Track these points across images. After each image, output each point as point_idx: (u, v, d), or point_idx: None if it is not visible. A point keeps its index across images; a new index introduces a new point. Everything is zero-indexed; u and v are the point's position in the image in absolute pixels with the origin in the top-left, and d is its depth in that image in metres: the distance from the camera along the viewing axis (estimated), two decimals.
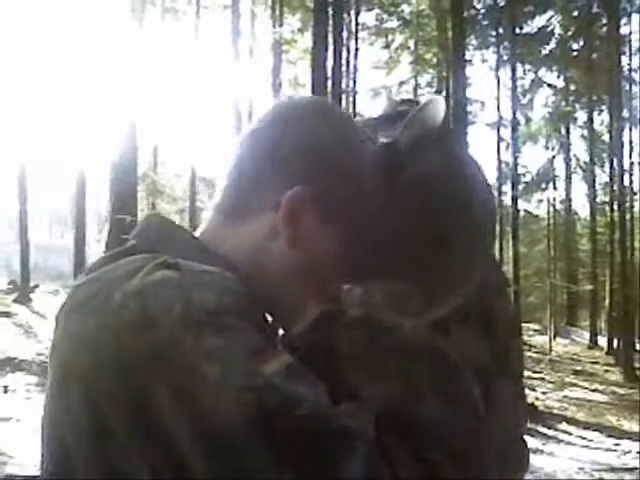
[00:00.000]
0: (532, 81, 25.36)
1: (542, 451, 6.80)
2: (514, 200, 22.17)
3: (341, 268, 0.77)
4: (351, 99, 19.80)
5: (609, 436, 8.09)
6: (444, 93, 19.21)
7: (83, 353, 0.63)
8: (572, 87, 25.08)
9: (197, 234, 0.79)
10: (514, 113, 22.83)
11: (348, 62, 20.34)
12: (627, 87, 22.19)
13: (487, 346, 1.64)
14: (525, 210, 27.09)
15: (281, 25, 20.12)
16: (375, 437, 0.63)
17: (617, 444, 7.58)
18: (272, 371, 0.60)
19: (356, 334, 0.79)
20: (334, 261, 0.76)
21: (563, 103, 25.28)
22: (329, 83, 11.65)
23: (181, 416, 0.58)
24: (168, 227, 0.78)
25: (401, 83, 24.53)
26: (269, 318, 0.77)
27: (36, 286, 14.55)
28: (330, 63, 12.45)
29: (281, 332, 0.85)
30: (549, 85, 25.44)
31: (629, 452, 7.05)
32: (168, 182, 21.79)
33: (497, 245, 21.57)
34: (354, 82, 20.71)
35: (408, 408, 0.71)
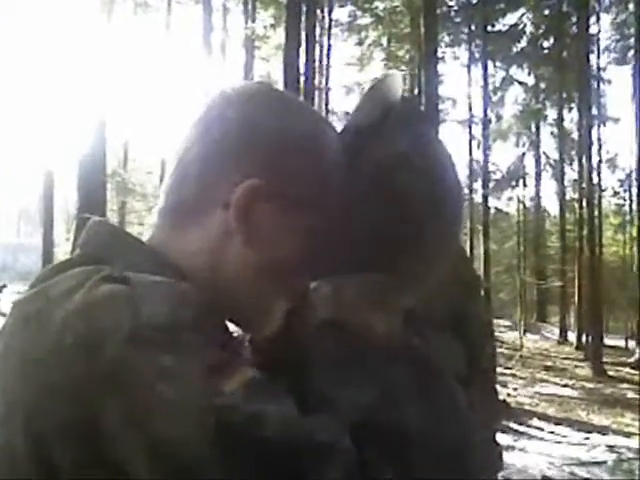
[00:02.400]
0: (503, 79, 25.63)
1: (514, 447, 6.86)
2: (484, 197, 22.40)
3: (305, 263, 0.72)
4: (324, 96, 19.76)
5: (579, 430, 8.19)
6: (416, 90, 19.28)
7: (25, 379, 0.57)
8: (542, 85, 25.40)
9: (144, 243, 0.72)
10: (485, 110, 23.07)
11: (321, 59, 20.32)
12: (596, 85, 22.55)
13: (461, 349, 1.63)
14: (495, 207, 27.37)
15: (253, 21, 20.01)
16: (353, 450, 0.58)
17: (587, 438, 7.68)
18: (232, 389, 0.55)
19: (327, 337, 0.73)
20: (297, 256, 0.71)
21: (533, 101, 25.57)
22: (302, 79, 11.60)
23: (135, 444, 0.53)
24: (115, 234, 0.71)
25: (374, 80, 24.53)
26: (232, 328, 0.71)
27: (4, 286, 14.31)
28: (303, 59, 12.40)
29: (248, 340, 0.80)
30: (520, 83, 25.72)
31: (598, 446, 7.14)
32: (138, 180, 21.52)
33: (468, 242, 21.76)
34: (327, 79, 20.69)
35: (388, 417, 0.65)
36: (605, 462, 6.32)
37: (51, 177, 15.47)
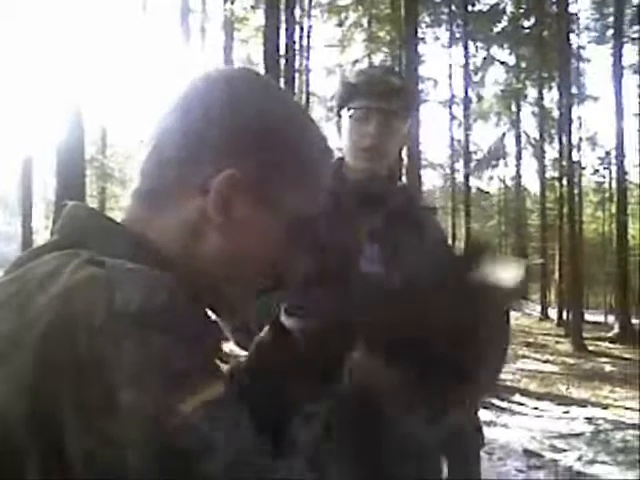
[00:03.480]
0: (484, 59, 25.63)
1: (496, 423, 6.96)
2: (466, 177, 22.47)
3: (282, 254, 0.71)
4: (304, 78, 19.66)
5: (559, 404, 8.32)
6: (397, 71, 19.17)
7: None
8: (523, 64, 25.43)
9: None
10: (466, 91, 23.06)
11: (301, 40, 20.19)
12: (576, 64, 22.62)
13: None
14: (477, 187, 27.50)
15: (232, 2, 19.79)
16: None
17: (566, 412, 7.82)
18: (193, 406, 0.51)
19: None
20: (272, 252, 0.70)
21: (514, 80, 25.62)
22: (282, 62, 11.55)
23: (88, 451, 0.50)
24: (91, 217, 0.69)
25: (355, 61, 24.44)
26: (212, 317, 0.70)
27: None
28: (283, 41, 12.33)
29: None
30: (500, 62, 25.74)
31: (577, 418, 7.28)
32: (117, 165, 21.31)
33: (449, 222, 21.86)
34: (307, 60, 20.58)
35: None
36: (583, 434, 6.46)
37: (29, 164, 15.30)
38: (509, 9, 24.42)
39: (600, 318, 21.76)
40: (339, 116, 1.69)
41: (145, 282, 0.57)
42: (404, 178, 11.14)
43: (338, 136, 1.70)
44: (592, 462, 5.45)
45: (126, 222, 0.70)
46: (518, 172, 29.27)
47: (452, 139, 23.38)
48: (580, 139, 22.44)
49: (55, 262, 0.60)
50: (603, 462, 5.44)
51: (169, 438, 0.50)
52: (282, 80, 11.37)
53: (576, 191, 20.35)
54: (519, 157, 28.90)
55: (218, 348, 0.65)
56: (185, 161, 0.67)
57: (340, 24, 24.79)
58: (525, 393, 9.12)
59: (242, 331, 1.51)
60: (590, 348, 15.25)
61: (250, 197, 0.67)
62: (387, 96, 1.61)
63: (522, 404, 8.29)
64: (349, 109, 1.64)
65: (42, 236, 18.37)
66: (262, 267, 0.71)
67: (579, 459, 5.52)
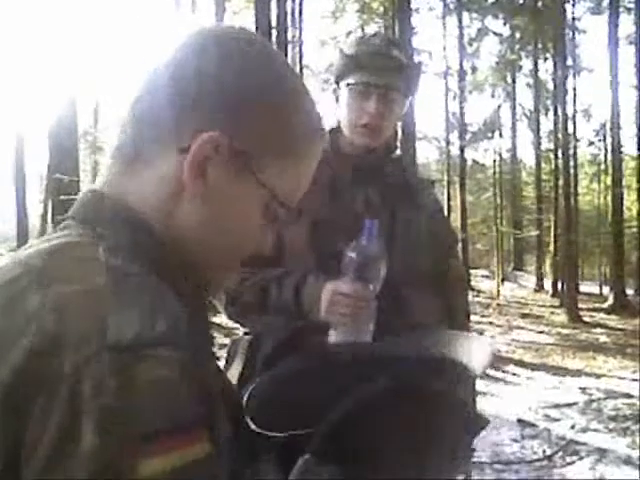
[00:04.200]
0: (478, 30, 25.34)
1: (491, 393, 7.01)
2: (461, 150, 22.37)
3: (259, 229, 0.69)
4: (297, 50, 19.45)
5: (554, 375, 8.38)
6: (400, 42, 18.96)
7: None
8: (518, 35, 25.18)
9: (97, 184, 0.68)
10: (461, 62, 22.86)
11: (293, 11, 19.93)
12: (571, 35, 22.41)
13: (439, 305, 1.66)
14: (472, 159, 27.41)
15: None
16: None
17: (561, 382, 7.88)
18: (160, 469, 0.47)
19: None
20: (251, 221, 0.68)
21: (509, 52, 25.38)
22: (274, 33, 11.40)
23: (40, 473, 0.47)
24: (89, 195, 0.67)
25: (348, 33, 24.17)
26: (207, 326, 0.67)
27: None
28: (275, 12, 12.17)
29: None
30: (495, 33, 25.46)
31: (570, 388, 7.34)
32: (111, 139, 21.11)
33: (445, 194, 21.82)
34: (300, 32, 20.33)
35: None
36: (576, 403, 6.51)
37: (22, 140, 15.17)
38: None
39: (595, 289, 21.82)
40: (337, 87, 1.61)
41: (142, 307, 0.53)
42: (399, 151, 11.07)
43: (335, 107, 1.63)
44: (585, 430, 5.50)
45: (106, 186, 0.67)
46: (513, 144, 29.21)
47: (447, 111, 23.23)
48: (575, 111, 22.24)
49: (55, 249, 0.59)
50: (595, 430, 5.49)
51: None
52: None
53: (571, 163, 20.25)
54: (514, 129, 28.82)
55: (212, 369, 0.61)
56: (166, 120, 0.64)
57: None
58: (520, 364, 9.18)
59: (235, 305, 1.51)
60: (585, 319, 15.34)
61: (231, 164, 0.64)
62: (390, 72, 1.52)
63: (516, 374, 8.35)
64: (348, 84, 1.56)
65: (38, 211, 18.28)
66: (239, 240, 0.69)
67: (572, 428, 5.57)
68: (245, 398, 0.81)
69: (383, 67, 1.52)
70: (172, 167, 0.64)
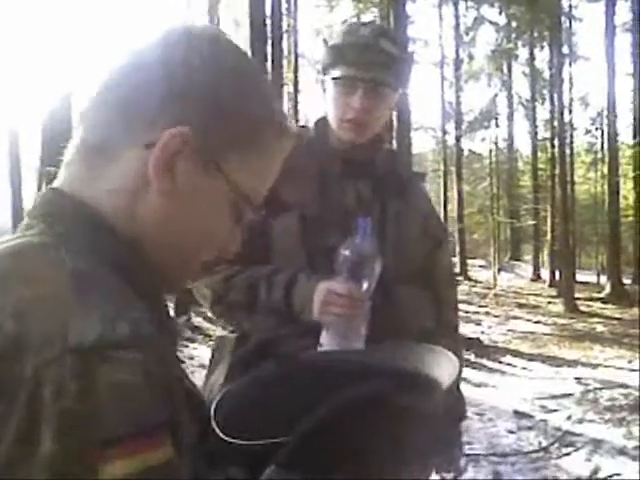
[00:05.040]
0: (475, 19, 25.23)
1: (487, 384, 7.01)
2: (457, 139, 22.34)
3: (224, 228, 0.68)
4: (292, 39, 19.34)
5: (550, 365, 8.38)
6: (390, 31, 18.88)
7: None
8: (514, 24, 25.06)
9: (57, 182, 0.67)
10: (457, 51, 22.79)
11: (288, 0, 19.79)
12: (567, 24, 22.32)
13: (429, 301, 1.62)
14: (469, 149, 27.38)
15: None
16: None
17: (557, 372, 7.88)
18: (126, 473, 0.46)
19: None
20: (216, 220, 0.67)
21: (505, 41, 25.28)
22: (268, 22, 11.31)
23: None
24: (49, 193, 0.66)
25: (344, 22, 24.02)
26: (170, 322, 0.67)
27: None
28: (269, 2, 12.07)
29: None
30: (491, 22, 25.35)
31: (567, 379, 7.34)
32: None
33: (441, 184, 21.79)
34: (295, 21, 20.19)
35: None
36: (573, 394, 6.51)
37: (16, 134, 15.08)
38: None
39: (592, 278, 21.84)
40: (324, 78, 1.52)
41: (104, 310, 0.52)
42: (394, 142, 11.03)
43: (323, 99, 1.55)
44: (581, 421, 5.50)
45: (67, 184, 0.66)
46: (510, 133, 29.17)
47: (443, 101, 23.17)
48: (572, 99, 22.20)
49: (17, 250, 0.58)
50: (591, 421, 5.50)
51: None
52: (269, 42, 11.14)
53: (568, 152, 20.25)
54: (511, 118, 28.76)
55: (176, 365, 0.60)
56: (133, 114, 0.63)
57: None
58: (516, 354, 9.18)
59: (221, 303, 1.47)
60: (582, 308, 15.36)
61: (197, 159, 0.63)
62: (377, 66, 1.43)
63: (513, 365, 8.35)
64: (333, 77, 1.47)
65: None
66: (204, 239, 0.68)
67: (568, 418, 5.57)
68: (213, 406, 0.79)
69: (370, 61, 1.42)
70: (137, 163, 0.63)
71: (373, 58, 1.42)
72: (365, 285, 1.26)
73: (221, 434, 0.72)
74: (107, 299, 0.54)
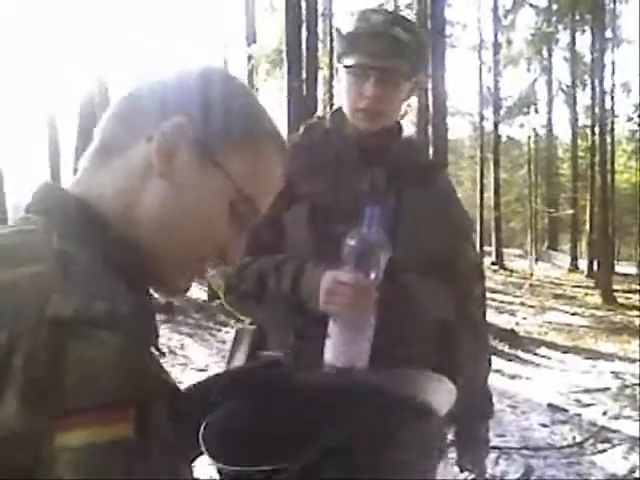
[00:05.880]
0: (514, 1, 24.68)
1: (520, 376, 6.91)
2: (495, 125, 22.00)
3: (223, 227, 0.68)
4: (328, 22, 19.18)
5: (586, 358, 8.24)
6: (423, 15, 18.66)
7: None
8: (554, 6, 24.49)
9: (70, 183, 0.69)
10: (495, 35, 22.37)
11: None
12: (611, 5, 21.71)
13: (449, 294, 1.57)
14: (507, 135, 26.95)
15: None
16: None
17: (593, 366, 7.73)
18: (82, 443, 0.48)
19: None
20: (216, 218, 0.67)
21: (545, 24, 24.73)
22: (303, 5, 11.18)
23: None
24: (47, 187, 0.68)
25: (380, 5, 23.79)
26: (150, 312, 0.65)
27: None
28: None
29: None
30: (531, 5, 24.80)
31: (604, 373, 7.19)
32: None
33: (478, 171, 21.51)
34: (330, 4, 20.01)
35: None
36: (609, 388, 6.36)
37: (54, 119, 15.28)
38: None
39: (631, 270, 21.39)
40: (339, 67, 1.51)
41: (85, 289, 0.54)
42: (430, 127, 10.88)
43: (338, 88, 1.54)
44: (617, 417, 5.37)
45: (72, 185, 0.68)
46: (549, 120, 28.63)
47: (481, 86, 22.79)
48: (614, 85, 21.64)
49: (8, 234, 0.61)
50: (628, 417, 5.36)
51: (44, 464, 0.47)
52: (304, 25, 11.02)
53: (608, 139, 19.79)
54: (550, 104, 28.22)
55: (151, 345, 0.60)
56: (135, 110, 0.68)
57: None
58: (551, 346, 9.05)
59: (232, 294, 1.48)
60: (620, 300, 15.06)
61: (196, 153, 0.66)
62: (389, 54, 1.41)
63: (547, 357, 8.23)
64: (345, 65, 1.46)
65: None
66: (201, 235, 0.67)
67: (604, 414, 5.45)
68: (201, 430, 0.74)
69: (381, 49, 1.41)
70: (139, 156, 0.66)
71: (385, 46, 1.41)
72: (372, 275, 1.24)
73: (210, 459, 0.67)
74: (89, 279, 0.56)
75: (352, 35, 1.44)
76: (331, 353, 1.21)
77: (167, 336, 7.17)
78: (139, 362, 0.53)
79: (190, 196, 0.65)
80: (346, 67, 1.46)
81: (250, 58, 15.86)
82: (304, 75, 10.56)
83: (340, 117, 1.54)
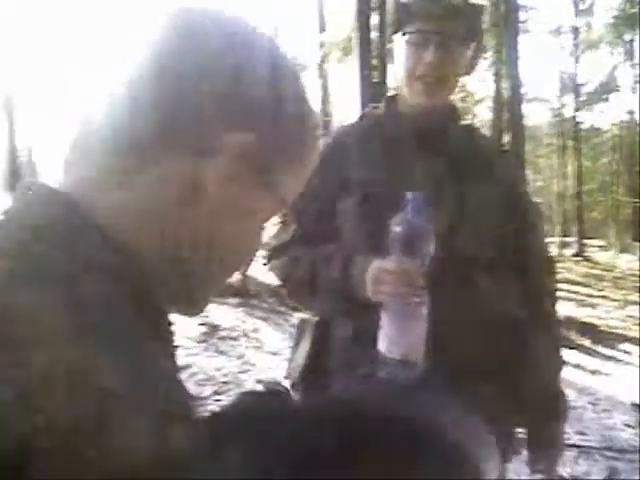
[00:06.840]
0: None
1: (601, 372, 6.66)
2: (576, 112, 21.29)
3: (256, 245, 0.63)
4: None
5: None
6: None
7: None
8: None
9: (61, 182, 0.56)
10: (574, 19, 21.60)
11: None
12: None
13: (520, 290, 1.49)
14: (588, 123, 26.06)
15: None
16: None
17: None
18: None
19: None
20: (253, 229, 0.61)
21: (627, 6, 23.66)
22: None
23: None
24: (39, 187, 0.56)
25: None
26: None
27: None
28: None
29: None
30: None
31: None
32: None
33: (557, 160, 20.85)
34: None
35: None
36: None
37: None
38: None
39: None
40: (393, 40, 1.51)
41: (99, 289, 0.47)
42: (505, 112, 10.59)
43: (393, 64, 1.54)
44: None
45: (75, 192, 0.54)
46: (633, 106, 27.51)
47: (560, 71, 22.06)
48: None
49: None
50: None
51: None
52: (377, 11, 10.91)
53: None
54: (633, 90, 27.09)
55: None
56: (173, 110, 0.53)
57: None
58: (635, 342, 8.63)
59: (288, 284, 1.54)
60: None
61: (254, 179, 0.56)
62: (446, 18, 1.43)
63: (630, 353, 7.86)
64: (404, 33, 1.47)
65: None
66: (235, 250, 0.60)
67: None
68: None
69: (439, 13, 1.43)
70: (179, 171, 0.53)
71: (441, 11, 1.44)
72: (418, 262, 1.21)
73: None
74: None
75: (408, 3, 1.46)
76: (384, 344, 1.18)
77: (241, 319, 7.29)
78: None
79: (235, 214, 0.57)
80: (404, 34, 1.46)
81: (322, 45, 15.94)
82: (375, 62, 10.47)
83: (393, 104, 1.56)
